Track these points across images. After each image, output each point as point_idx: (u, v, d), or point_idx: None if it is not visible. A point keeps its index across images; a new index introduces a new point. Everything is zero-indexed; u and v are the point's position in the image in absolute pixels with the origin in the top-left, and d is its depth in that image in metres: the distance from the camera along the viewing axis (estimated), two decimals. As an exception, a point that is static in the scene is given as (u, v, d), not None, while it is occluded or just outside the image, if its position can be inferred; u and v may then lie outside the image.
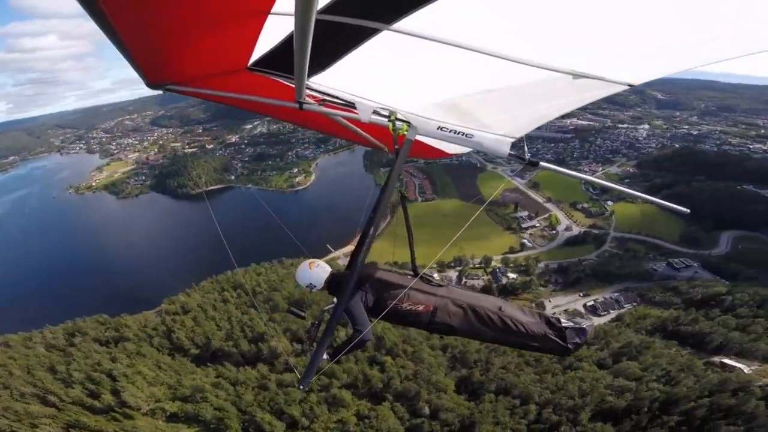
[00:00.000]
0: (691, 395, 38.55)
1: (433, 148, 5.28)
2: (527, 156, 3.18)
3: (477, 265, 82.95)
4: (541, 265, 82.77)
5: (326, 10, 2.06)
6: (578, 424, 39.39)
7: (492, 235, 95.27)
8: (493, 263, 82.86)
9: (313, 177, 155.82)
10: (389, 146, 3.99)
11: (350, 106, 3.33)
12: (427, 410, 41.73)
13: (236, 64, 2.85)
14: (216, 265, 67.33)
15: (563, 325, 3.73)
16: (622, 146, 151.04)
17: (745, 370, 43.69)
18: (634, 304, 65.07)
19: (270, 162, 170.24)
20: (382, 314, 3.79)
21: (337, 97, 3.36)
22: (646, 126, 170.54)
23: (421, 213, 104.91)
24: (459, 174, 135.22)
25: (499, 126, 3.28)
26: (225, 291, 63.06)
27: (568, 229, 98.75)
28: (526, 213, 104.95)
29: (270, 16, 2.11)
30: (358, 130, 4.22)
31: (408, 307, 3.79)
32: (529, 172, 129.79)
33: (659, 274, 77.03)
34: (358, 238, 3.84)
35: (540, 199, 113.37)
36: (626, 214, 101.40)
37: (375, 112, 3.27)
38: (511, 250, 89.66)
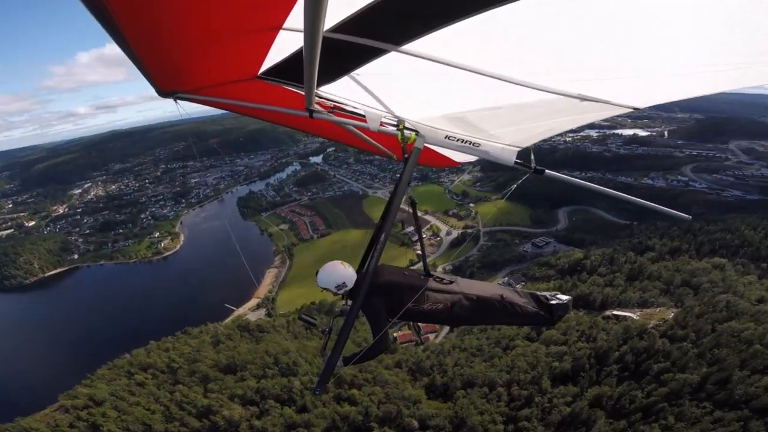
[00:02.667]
0: (613, 345, 45.94)
1: (441, 155, 5.51)
2: (533, 164, 3.37)
3: None
4: (439, 269, 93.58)
5: (336, 29, 2.14)
6: (546, 392, 44.76)
7: (391, 252, 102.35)
8: None
9: (181, 238, 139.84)
10: (398, 154, 4.18)
11: (359, 114, 3.49)
12: (415, 423, 43.39)
13: (247, 72, 2.96)
14: (99, 350, 59.40)
15: (551, 302, 4.27)
16: None
17: (634, 317, 53.47)
18: (523, 283, 74.75)
19: (120, 230, 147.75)
20: (403, 315, 4.06)
21: (346, 106, 3.53)
22: None
23: (325, 250, 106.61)
24: (345, 204, 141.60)
25: (506, 136, 3.51)
26: (135, 374, 55.83)
27: (448, 233, 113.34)
28: (411, 228, 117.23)
29: (281, 31, 2.21)
30: (367, 138, 4.34)
31: (429, 307, 4.07)
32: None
33: (530, 254, 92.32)
34: (368, 243, 4.16)
35: (419, 212, 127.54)
36: (487, 212, 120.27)
37: (384, 121, 3.42)
38: (411, 263, 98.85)
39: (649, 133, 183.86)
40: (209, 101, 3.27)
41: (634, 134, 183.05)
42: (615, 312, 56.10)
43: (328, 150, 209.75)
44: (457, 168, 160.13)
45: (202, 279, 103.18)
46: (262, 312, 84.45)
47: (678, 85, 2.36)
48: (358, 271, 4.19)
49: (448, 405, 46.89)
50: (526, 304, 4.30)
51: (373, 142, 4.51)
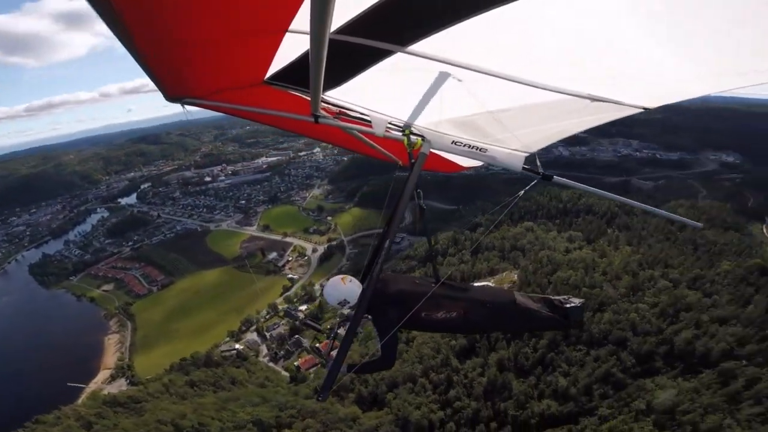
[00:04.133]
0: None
1: (448, 161, 5.51)
2: (541, 170, 3.35)
3: (269, 317, 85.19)
4: (317, 287, 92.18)
5: (342, 30, 2.18)
6: (458, 370, 50.30)
7: (259, 287, 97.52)
8: (280, 307, 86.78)
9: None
10: (404, 160, 4.18)
11: (365, 120, 3.50)
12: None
13: (253, 78, 2.99)
14: None
15: (566, 305, 4.16)
16: (311, 171, 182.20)
17: (491, 284, 66.12)
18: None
19: None
20: (416, 325, 4.06)
21: (352, 111, 3.52)
22: (318, 149, 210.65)
23: (175, 302, 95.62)
24: (183, 246, 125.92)
25: (513, 141, 3.51)
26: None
27: (314, 251, 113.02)
28: (275, 254, 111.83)
29: (287, 34, 2.23)
30: (373, 143, 4.32)
31: (443, 316, 3.98)
32: (253, 217, 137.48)
33: (393, 252, 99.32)
34: (372, 251, 4.17)
35: (278, 237, 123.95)
36: (345, 222, 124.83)
37: (390, 126, 3.44)
38: (286, 289, 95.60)
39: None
40: (216, 106, 3.31)
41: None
42: (475, 284, 66.56)
43: (142, 187, 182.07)
44: (306, 184, 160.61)
45: (17, 368, 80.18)
46: (123, 382, 75.39)
47: (688, 84, 2.40)
48: (363, 281, 4.13)
49: (385, 411, 48.35)
50: (541, 309, 4.29)
51: (379, 147, 4.56)
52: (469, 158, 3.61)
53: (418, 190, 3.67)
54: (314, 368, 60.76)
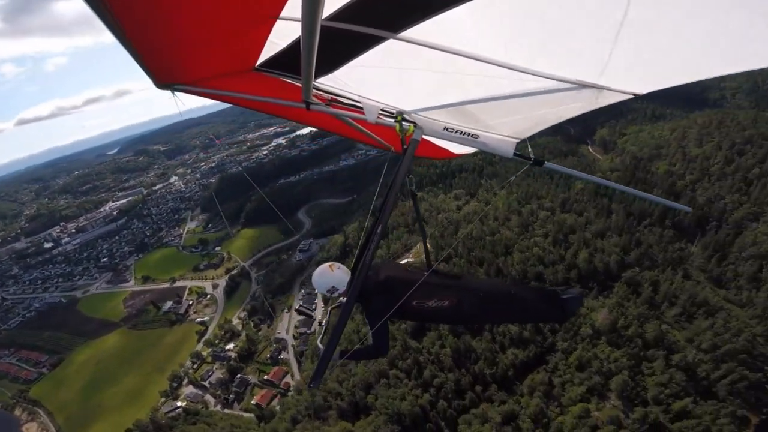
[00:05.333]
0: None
1: (440, 148, 5.51)
2: (532, 156, 3.44)
3: (197, 366, 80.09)
4: (235, 321, 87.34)
5: (333, 17, 2.19)
6: (420, 350, 52.78)
7: (170, 340, 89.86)
8: (204, 353, 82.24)
9: None
10: (396, 146, 4.22)
11: (357, 106, 3.51)
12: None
13: (244, 64, 3.01)
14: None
15: (563, 296, 4.16)
16: (176, 203, 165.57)
17: (413, 260, 64.87)
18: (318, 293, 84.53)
19: None
20: (406, 314, 4.07)
21: (344, 98, 3.58)
22: (175, 177, 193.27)
23: (86, 376, 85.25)
24: (54, 322, 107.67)
25: (504, 128, 3.58)
26: None
27: (216, 287, 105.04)
28: (170, 302, 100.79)
29: (278, 21, 2.24)
30: (365, 130, 4.35)
31: (434, 304, 3.94)
32: (125, 272, 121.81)
33: (304, 260, 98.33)
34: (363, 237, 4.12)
35: (165, 285, 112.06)
36: (239, 247, 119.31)
37: (382, 113, 3.43)
38: (202, 333, 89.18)
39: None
40: (207, 93, 3.31)
41: (310, 131, 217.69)
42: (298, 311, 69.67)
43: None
44: (175, 220, 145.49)
45: None
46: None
47: (678, 70, 2.40)
48: (354, 268, 4.15)
49: (373, 415, 49.16)
50: (538, 301, 4.34)
51: (371, 134, 4.59)
52: (460, 145, 3.64)
53: (410, 176, 3.79)
54: (275, 400, 57.88)
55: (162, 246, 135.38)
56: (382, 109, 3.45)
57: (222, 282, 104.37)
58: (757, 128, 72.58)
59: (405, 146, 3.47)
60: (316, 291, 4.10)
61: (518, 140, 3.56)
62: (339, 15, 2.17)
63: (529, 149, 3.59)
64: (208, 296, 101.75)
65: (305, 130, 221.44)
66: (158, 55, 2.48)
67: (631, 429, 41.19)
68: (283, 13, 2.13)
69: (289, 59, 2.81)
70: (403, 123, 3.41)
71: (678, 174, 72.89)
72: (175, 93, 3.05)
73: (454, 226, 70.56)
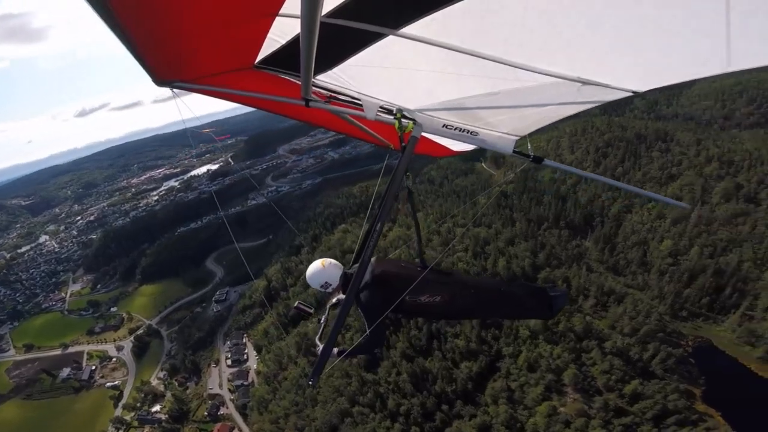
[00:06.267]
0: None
1: (439, 145, 5.52)
2: (531, 153, 3.50)
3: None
4: (154, 382, 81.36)
5: (333, 14, 2.20)
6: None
7: (81, 407, 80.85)
8: (127, 417, 74.92)
9: None
10: (395, 143, 4.22)
11: (356, 103, 3.52)
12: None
13: (244, 62, 3.02)
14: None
15: (550, 294, 4.30)
16: (51, 265, 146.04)
17: None
18: (247, 339, 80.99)
19: None
20: (400, 309, 4.07)
21: (343, 95, 3.57)
22: (45, 237, 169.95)
23: None
24: None
25: (504, 125, 3.59)
26: None
27: (120, 349, 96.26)
28: (67, 369, 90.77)
29: (277, 18, 2.25)
30: (365, 127, 4.35)
31: (427, 300, 4.02)
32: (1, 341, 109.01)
33: (223, 311, 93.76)
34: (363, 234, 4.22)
35: (56, 352, 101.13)
36: (140, 305, 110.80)
37: (381, 110, 3.44)
38: (117, 398, 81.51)
39: (219, 165, 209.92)
40: (206, 90, 3.31)
41: (208, 170, 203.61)
42: (297, 308, 70.52)
43: None
44: (53, 283, 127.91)
45: None
46: None
47: (677, 68, 2.42)
48: (355, 262, 4.35)
49: None
50: (526, 298, 4.45)
51: (370, 131, 4.62)
52: (460, 142, 3.69)
53: (408, 173, 3.81)
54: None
55: (42, 312, 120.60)
56: (381, 106, 3.44)
57: (127, 343, 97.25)
58: (612, 132, 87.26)
59: (404, 143, 3.49)
60: (310, 285, 3.61)
61: (517, 137, 3.60)
62: (338, 12, 2.18)
63: (529, 146, 3.65)
64: (114, 359, 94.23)
65: (201, 170, 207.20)
66: (158, 52, 2.45)
67: (600, 418, 43.97)
68: (283, 10, 2.13)
69: (288, 56, 2.78)
70: (403, 120, 3.40)
71: (560, 180, 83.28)
72: (174, 91, 3.01)
73: (384, 253, 70.62)
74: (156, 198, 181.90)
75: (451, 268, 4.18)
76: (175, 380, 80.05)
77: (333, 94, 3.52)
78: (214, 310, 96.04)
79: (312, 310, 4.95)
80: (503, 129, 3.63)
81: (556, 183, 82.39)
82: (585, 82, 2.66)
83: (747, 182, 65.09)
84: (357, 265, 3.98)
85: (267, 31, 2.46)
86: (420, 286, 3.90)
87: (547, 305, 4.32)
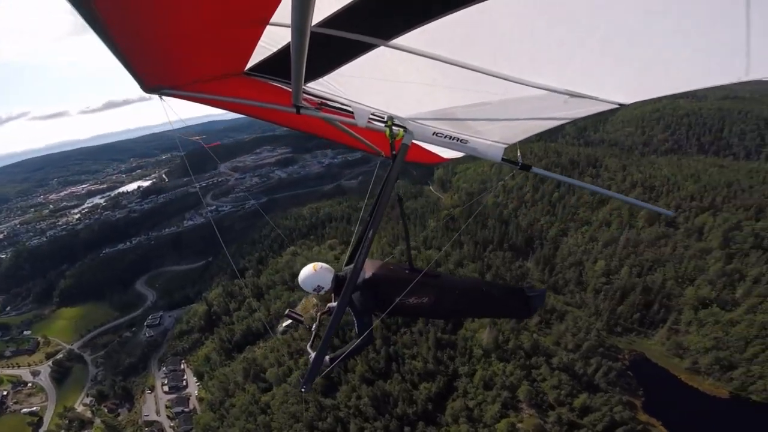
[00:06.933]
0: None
1: (430, 152, 5.60)
2: (520, 161, 3.61)
3: None
4: (80, 408, 75.42)
5: (324, 23, 2.20)
6: None
7: None
8: None
9: None
10: (386, 151, 4.30)
11: (348, 110, 3.53)
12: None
13: (234, 68, 3.00)
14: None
15: (529, 294, 4.49)
16: None
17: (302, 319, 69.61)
18: (186, 365, 77.51)
19: None
20: (390, 310, 4.17)
21: (334, 102, 3.56)
22: None
23: None
24: None
25: (493, 133, 3.71)
26: None
27: (36, 374, 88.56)
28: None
29: (268, 26, 2.25)
30: (356, 134, 4.39)
31: (415, 301, 4.19)
32: None
33: (157, 335, 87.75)
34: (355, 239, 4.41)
35: None
36: (60, 328, 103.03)
37: (372, 117, 3.48)
38: (36, 424, 74.92)
39: (151, 182, 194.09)
40: (195, 97, 3.29)
41: (138, 187, 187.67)
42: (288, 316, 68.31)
43: None
44: None
45: None
46: None
47: (662, 82, 2.49)
48: (347, 264, 4.57)
49: None
50: (505, 297, 4.69)
51: (362, 138, 4.66)
52: (450, 149, 3.78)
53: (398, 181, 3.88)
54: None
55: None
56: (372, 114, 3.47)
57: (45, 368, 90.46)
58: (549, 158, 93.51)
59: (395, 151, 3.53)
60: (303, 289, 4.29)
61: (506, 146, 3.71)
62: (330, 22, 2.20)
63: (519, 154, 3.72)
64: (30, 384, 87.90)
65: (131, 186, 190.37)
66: (146, 58, 2.45)
67: (556, 432, 45.27)
68: (274, 19, 2.13)
69: (279, 63, 2.77)
70: (394, 127, 3.43)
71: (503, 204, 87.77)
72: (163, 98, 2.95)
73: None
74: (78, 216, 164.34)
75: (439, 271, 4.02)
76: (104, 406, 75.98)
77: (324, 101, 3.49)
78: (147, 335, 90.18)
79: (303, 318, 5.00)
80: (492, 137, 3.74)
81: (499, 206, 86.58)
82: (573, 95, 2.73)
83: (667, 207, 73.11)
84: (348, 267, 4.33)
85: (258, 39, 2.43)
86: (409, 288, 4.06)
87: (524, 304, 4.56)
